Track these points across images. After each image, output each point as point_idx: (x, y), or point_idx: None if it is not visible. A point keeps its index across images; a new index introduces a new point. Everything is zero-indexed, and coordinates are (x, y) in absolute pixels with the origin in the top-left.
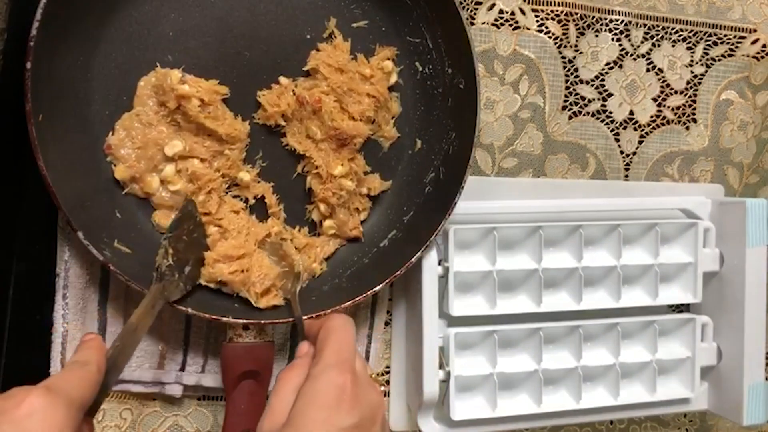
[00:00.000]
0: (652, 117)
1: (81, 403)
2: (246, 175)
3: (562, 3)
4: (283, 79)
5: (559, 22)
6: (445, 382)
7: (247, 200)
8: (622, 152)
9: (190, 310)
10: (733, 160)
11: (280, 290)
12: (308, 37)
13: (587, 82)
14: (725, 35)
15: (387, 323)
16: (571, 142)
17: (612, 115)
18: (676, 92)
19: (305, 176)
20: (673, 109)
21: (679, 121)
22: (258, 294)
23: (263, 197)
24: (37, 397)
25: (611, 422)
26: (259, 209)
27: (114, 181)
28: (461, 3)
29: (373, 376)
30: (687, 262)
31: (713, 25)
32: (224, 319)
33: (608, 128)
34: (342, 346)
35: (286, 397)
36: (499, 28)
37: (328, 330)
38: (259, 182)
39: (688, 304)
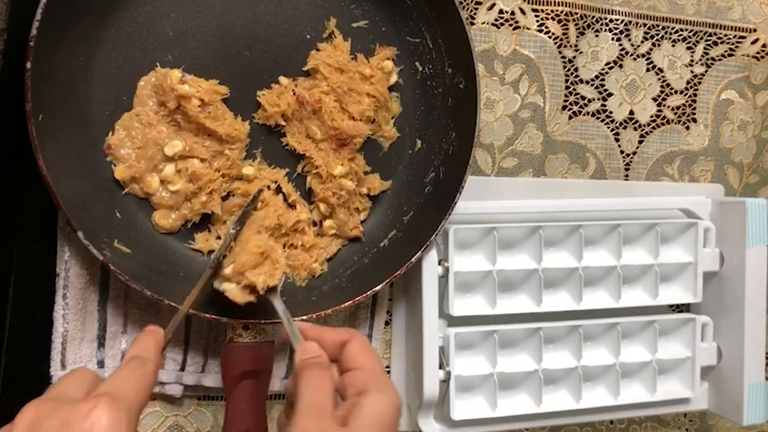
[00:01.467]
0: (652, 117)
1: (140, 407)
2: (250, 169)
3: (562, 3)
4: (283, 79)
5: (559, 22)
6: (445, 382)
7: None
8: (622, 152)
9: (190, 309)
10: (733, 160)
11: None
12: (308, 37)
13: (587, 82)
14: (725, 35)
15: (387, 323)
16: (571, 142)
17: (612, 114)
18: (676, 92)
19: (305, 176)
20: (673, 109)
21: (679, 121)
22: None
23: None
24: (104, 408)
25: (611, 422)
26: None
27: (114, 181)
28: (461, 3)
29: None
30: (687, 262)
31: (713, 25)
32: (224, 319)
33: (608, 128)
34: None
35: None
36: (499, 28)
37: (302, 383)
38: (274, 168)
39: (688, 304)
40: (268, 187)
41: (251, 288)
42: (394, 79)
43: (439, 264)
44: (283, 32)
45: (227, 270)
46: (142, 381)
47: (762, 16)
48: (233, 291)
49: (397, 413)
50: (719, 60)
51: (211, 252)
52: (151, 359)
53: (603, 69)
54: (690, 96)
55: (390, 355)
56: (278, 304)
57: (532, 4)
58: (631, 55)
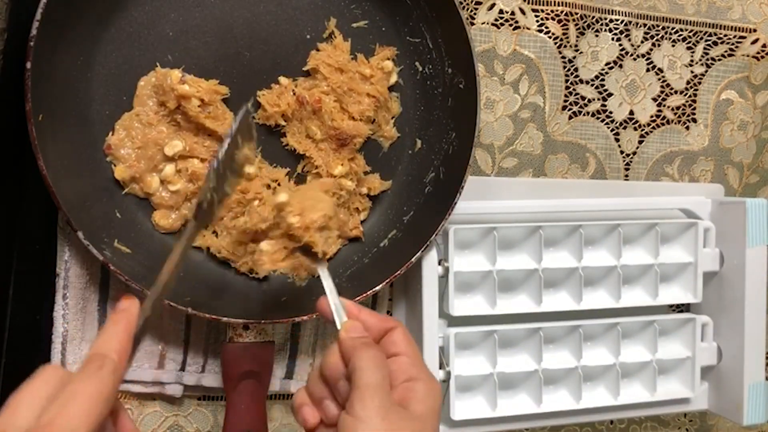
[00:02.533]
0: (652, 117)
1: (97, 424)
2: (251, 167)
3: (562, 3)
4: (283, 79)
5: (559, 22)
6: (445, 382)
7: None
8: (622, 152)
9: (189, 309)
10: (733, 160)
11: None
12: (308, 37)
13: (587, 82)
14: (725, 35)
15: None
16: (571, 142)
17: (612, 115)
18: (676, 92)
19: (305, 176)
20: (673, 109)
21: (679, 121)
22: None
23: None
24: None
25: (611, 422)
26: None
27: (114, 181)
28: (461, 3)
29: None
30: (687, 262)
31: (713, 25)
32: (224, 319)
33: (608, 128)
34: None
35: None
36: (499, 28)
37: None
38: (275, 167)
39: (688, 304)
40: (268, 186)
41: (292, 250)
42: (394, 79)
43: (439, 264)
44: (283, 32)
45: (293, 219)
46: (94, 396)
47: (762, 16)
48: (269, 253)
49: (441, 400)
50: (719, 60)
51: (208, 249)
52: (111, 358)
53: (603, 69)
54: (690, 96)
55: None
56: (325, 274)
57: (532, 4)
58: (631, 55)
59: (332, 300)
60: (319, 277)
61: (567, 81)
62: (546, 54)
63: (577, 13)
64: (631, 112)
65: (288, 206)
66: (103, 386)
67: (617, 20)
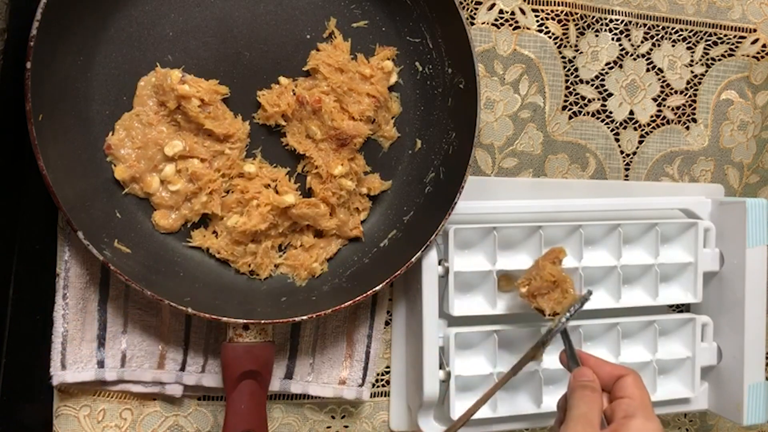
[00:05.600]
0: (652, 117)
1: None
2: (251, 166)
3: (562, 3)
4: (283, 79)
5: (559, 22)
6: (445, 382)
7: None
8: (622, 152)
9: (190, 310)
10: (733, 160)
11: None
12: (308, 37)
13: (587, 82)
14: (725, 35)
15: (387, 323)
16: (571, 142)
17: (612, 115)
18: (676, 92)
19: (305, 176)
20: (673, 109)
21: (679, 121)
22: None
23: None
24: None
25: None
26: None
27: (114, 181)
28: (461, 3)
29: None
30: (687, 262)
31: (713, 25)
32: (224, 319)
33: (608, 128)
34: None
35: None
36: (499, 28)
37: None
38: (275, 167)
39: (688, 304)
40: (267, 186)
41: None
42: (394, 79)
43: (439, 264)
44: (283, 32)
45: (522, 290)
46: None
47: (762, 16)
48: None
49: None
50: (719, 60)
51: (208, 249)
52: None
53: (603, 69)
54: (690, 96)
55: (390, 355)
56: (561, 329)
57: (532, 4)
58: (631, 55)
59: (568, 349)
60: (319, 277)
61: (567, 81)
62: (546, 54)
63: (577, 13)
64: (631, 112)
65: (517, 280)
66: None
67: (617, 20)
